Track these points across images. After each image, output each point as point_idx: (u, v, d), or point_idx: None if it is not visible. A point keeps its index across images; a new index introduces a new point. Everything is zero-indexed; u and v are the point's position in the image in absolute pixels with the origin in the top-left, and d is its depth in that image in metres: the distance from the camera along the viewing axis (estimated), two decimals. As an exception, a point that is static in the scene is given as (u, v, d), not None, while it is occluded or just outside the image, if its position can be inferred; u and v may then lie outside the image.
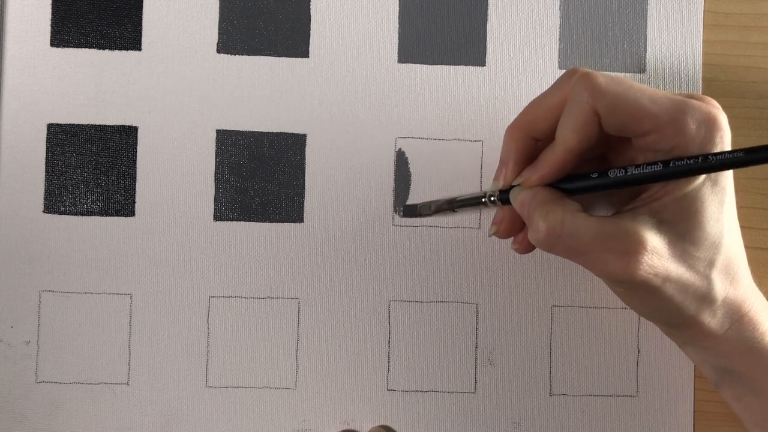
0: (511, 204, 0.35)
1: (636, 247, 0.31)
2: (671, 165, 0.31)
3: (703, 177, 0.32)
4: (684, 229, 0.32)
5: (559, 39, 0.42)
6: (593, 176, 0.33)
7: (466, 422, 0.41)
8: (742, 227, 0.35)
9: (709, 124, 0.31)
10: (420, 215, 0.38)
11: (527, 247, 0.36)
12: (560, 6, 0.42)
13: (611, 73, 0.33)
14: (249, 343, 0.41)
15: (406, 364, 0.41)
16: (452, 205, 0.37)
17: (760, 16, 0.42)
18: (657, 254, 0.31)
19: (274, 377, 0.41)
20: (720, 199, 0.33)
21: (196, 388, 0.41)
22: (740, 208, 0.35)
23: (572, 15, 0.42)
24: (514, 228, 0.36)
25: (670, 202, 0.32)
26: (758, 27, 0.42)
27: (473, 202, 0.36)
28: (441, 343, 0.41)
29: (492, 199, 0.35)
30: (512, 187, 0.35)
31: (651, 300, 0.33)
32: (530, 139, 0.35)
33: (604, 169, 0.33)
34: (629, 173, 0.32)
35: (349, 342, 0.41)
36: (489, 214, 0.41)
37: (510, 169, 0.35)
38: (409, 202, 0.41)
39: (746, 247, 0.35)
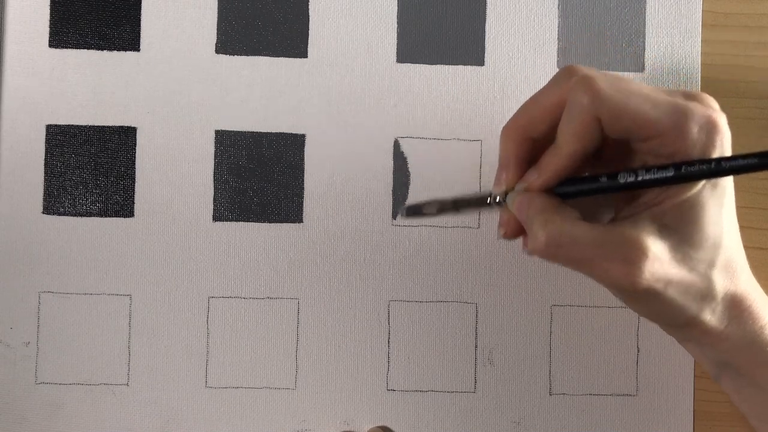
0: None
1: (638, 255, 0.31)
2: (683, 170, 0.31)
3: (704, 180, 0.32)
4: (685, 233, 0.32)
5: (558, 38, 0.42)
6: (602, 179, 0.33)
7: (466, 422, 0.41)
8: (742, 227, 0.35)
9: (710, 128, 0.31)
10: (424, 215, 0.38)
11: None
12: (559, 5, 0.42)
13: (608, 73, 0.32)
14: (249, 344, 0.41)
15: (405, 364, 0.41)
16: (457, 206, 0.36)
17: (760, 16, 0.42)
18: (659, 260, 0.31)
19: (274, 377, 0.41)
20: (720, 201, 0.33)
21: (196, 388, 0.41)
22: (740, 208, 0.35)
23: (571, 14, 0.42)
24: (521, 228, 0.35)
25: (671, 207, 0.32)
26: (758, 27, 0.42)
27: (478, 204, 0.36)
28: (441, 342, 0.41)
29: (497, 200, 0.35)
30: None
31: (653, 304, 0.33)
32: (528, 139, 0.34)
33: (612, 172, 0.33)
34: (640, 178, 0.32)
35: (349, 342, 0.41)
36: (489, 214, 0.41)
37: (511, 172, 0.34)
38: (409, 202, 0.41)
39: (746, 246, 0.35)
